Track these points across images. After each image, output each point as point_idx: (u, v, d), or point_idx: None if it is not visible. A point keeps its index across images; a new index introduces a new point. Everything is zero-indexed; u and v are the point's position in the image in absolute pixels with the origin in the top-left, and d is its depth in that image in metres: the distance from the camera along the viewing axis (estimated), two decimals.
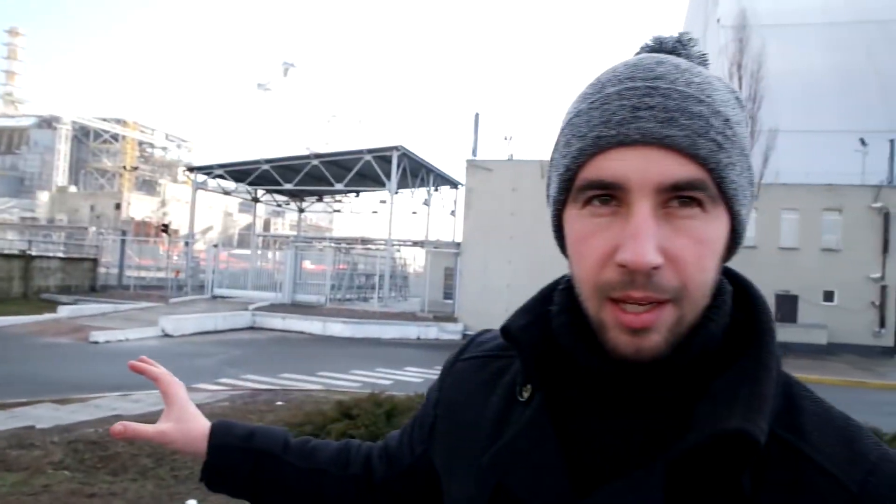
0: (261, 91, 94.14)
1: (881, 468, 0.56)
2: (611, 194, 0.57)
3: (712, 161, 0.56)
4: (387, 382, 11.73)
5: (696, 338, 0.59)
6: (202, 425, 0.88)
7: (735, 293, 0.65)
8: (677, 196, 0.56)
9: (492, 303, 19.87)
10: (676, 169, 0.55)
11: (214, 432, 0.88)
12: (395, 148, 25.02)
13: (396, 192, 26.36)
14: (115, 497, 4.79)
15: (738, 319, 0.63)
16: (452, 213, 33.66)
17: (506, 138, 28.89)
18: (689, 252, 0.56)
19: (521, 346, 0.68)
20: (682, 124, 0.55)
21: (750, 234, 22.35)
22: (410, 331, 20.39)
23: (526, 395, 0.67)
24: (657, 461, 0.56)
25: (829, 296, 21.65)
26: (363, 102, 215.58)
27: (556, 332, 0.65)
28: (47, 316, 18.74)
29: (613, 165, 0.56)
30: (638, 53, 0.65)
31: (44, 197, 61.19)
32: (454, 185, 31.91)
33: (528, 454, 0.63)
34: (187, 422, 0.88)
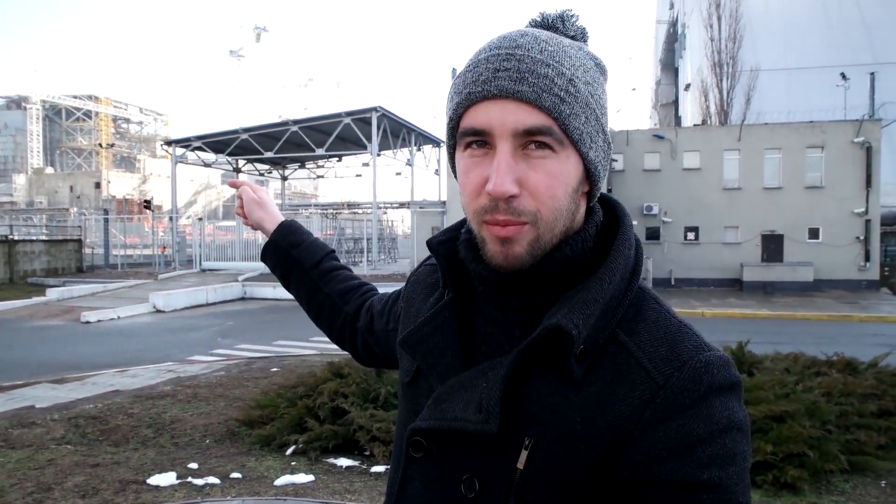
0: (234, 58, 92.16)
1: (689, 365, 0.69)
2: (482, 139, 0.72)
3: (555, 111, 0.69)
4: None
5: (552, 256, 0.74)
6: (274, 219, 1.29)
7: (609, 218, 0.82)
8: (532, 140, 0.70)
9: None
10: (527, 117, 0.69)
11: (277, 230, 1.27)
12: (374, 109, 24.71)
13: (378, 155, 26.13)
14: (119, 465, 4.87)
15: (604, 241, 0.79)
16: (436, 171, 33.51)
17: None
18: (542, 184, 0.70)
19: (438, 257, 0.84)
20: (530, 82, 0.69)
21: (734, 175, 22.44)
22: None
23: (446, 296, 0.84)
24: (513, 351, 0.72)
25: (814, 233, 21.86)
26: (340, 64, 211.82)
27: (457, 246, 0.82)
28: (36, 300, 18.65)
29: (480, 116, 0.71)
30: (526, 26, 0.80)
31: (20, 180, 60.24)
32: (437, 143, 31.66)
33: (432, 336, 0.81)
34: (259, 218, 1.31)
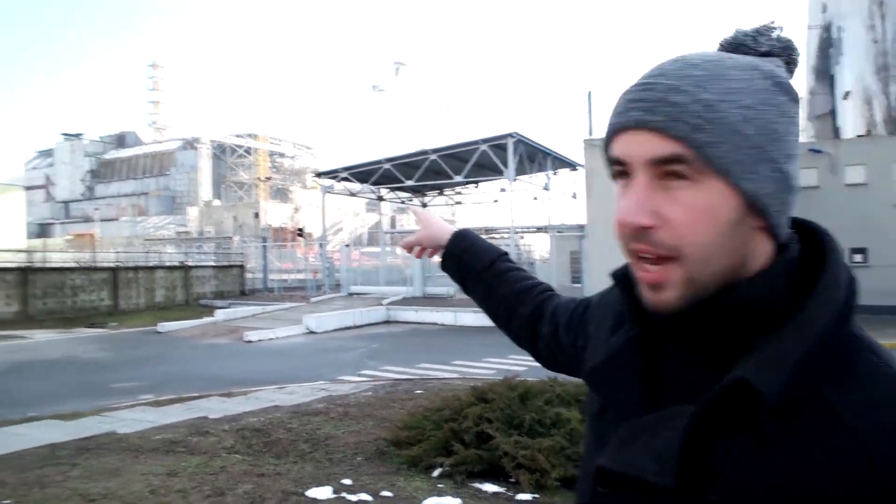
0: (375, 92, 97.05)
1: None
2: (624, 169, 0.72)
3: (689, 139, 0.66)
4: (520, 368, 11.84)
5: (725, 299, 0.69)
6: (446, 231, 1.34)
7: (814, 252, 0.73)
8: (667, 170, 0.68)
9: None
10: (657, 146, 0.68)
11: (451, 240, 1.31)
12: (510, 135, 24.95)
13: (515, 180, 26.28)
14: (281, 476, 5.26)
15: (807, 280, 0.70)
16: (574, 195, 33.11)
17: None
18: (679, 216, 0.67)
19: (620, 289, 0.82)
20: (661, 111, 0.67)
21: None
22: None
23: (629, 333, 0.81)
24: (694, 402, 0.67)
25: None
26: (476, 92, 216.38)
27: (633, 280, 0.77)
28: (206, 320, 20.62)
29: (620, 146, 0.71)
30: (717, 48, 0.77)
31: (193, 212, 66.73)
32: (573, 167, 31.33)
33: (614, 373, 0.80)
34: (435, 231, 1.35)
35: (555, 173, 31.14)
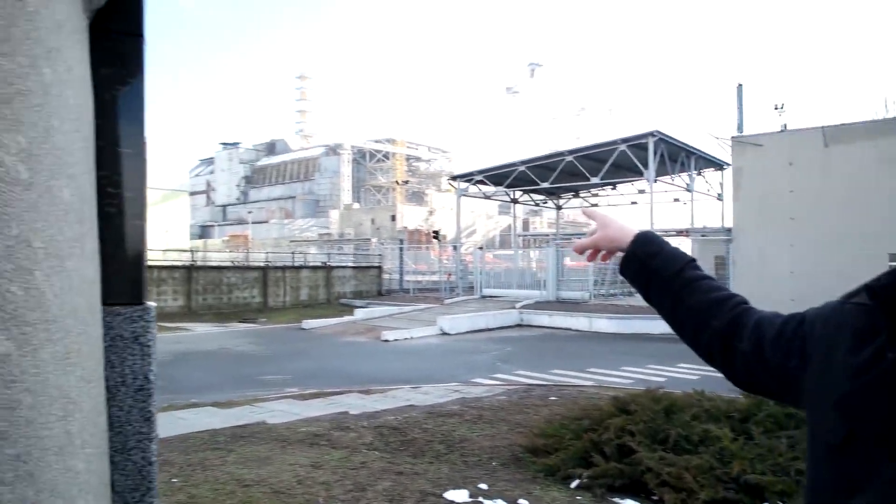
0: (509, 95, 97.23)
1: None
2: None
3: None
4: (660, 379, 11.29)
5: None
6: (626, 232, 1.24)
7: None
8: None
9: (771, 291, 17.95)
10: None
11: (633, 241, 1.21)
12: (651, 134, 24.00)
13: (655, 181, 25.26)
14: (419, 476, 5.32)
15: None
16: (719, 196, 31.28)
17: (776, 108, 26.02)
18: None
19: (884, 307, 0.74)
20: None
21: None
22: None
23: (891, 356, 0.72)
24: None
25: None
26: (612, 91, 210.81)
27: None
28: (346, 318, 21.59)
29: None
30: None
31: (334, 215, 70.37)
32: (719, 166, 29.62)
33: (878, 403, 0.71)
34: (615, 232, 1.25)
35: (699, 173, 29.57)
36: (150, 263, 21.64)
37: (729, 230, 23.81)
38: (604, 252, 1.28)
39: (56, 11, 1.20)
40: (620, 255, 1.25)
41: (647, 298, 1.22)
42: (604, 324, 19.54)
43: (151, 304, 1.58)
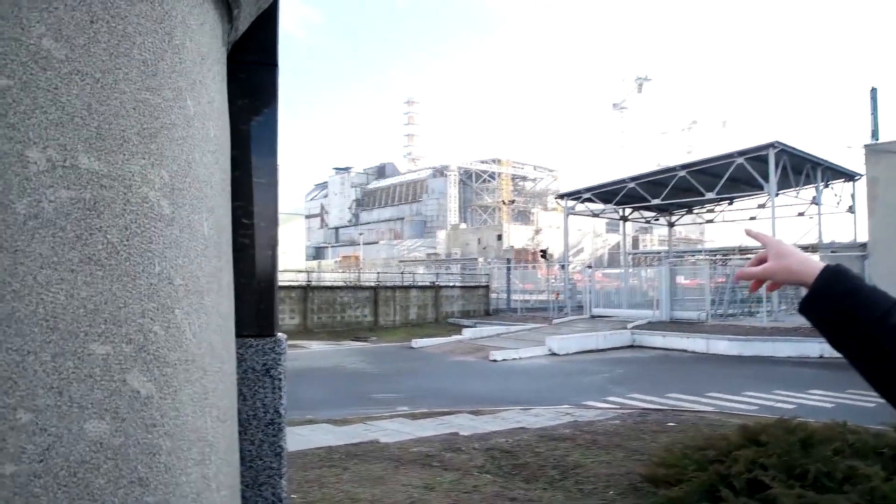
0: (616, 111, 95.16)
1: None
2: None
3: None
4: (789, 407, 10.48)
5: None
6: (811, 264, 1.08)
7: None
8: None
9: None
10: None
11: (820, 276, 1.05)
12: (772, 145, 22.65)
13: (777, 195, 23.78)
14: (533, 503, 5.19)
15: None
16: (850, 209, 28.98)
17: None
18: None
19: None
20: None
21: None
22: (811, 348, 17.82)
23: None
24: None
25: None
26: (726, 103, 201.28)
27: None
28: (454, 337, 21.73)
29: None
30: None
31: (441, 235, 71.35)
32: (850, 177, 27.49)
33: None
34: (795, 265, 1.10)
35: (826, 185, 27.57)
36: None
37: (863, 245, 21.98)
38: (770, 282, 1.14)
39: (201, 44, 1.20)
40: (802, 289, 1.09)
41: (835, 344, 1.05)
42: (723, 345, 18.49)
43: (282, 335, 1.55)
